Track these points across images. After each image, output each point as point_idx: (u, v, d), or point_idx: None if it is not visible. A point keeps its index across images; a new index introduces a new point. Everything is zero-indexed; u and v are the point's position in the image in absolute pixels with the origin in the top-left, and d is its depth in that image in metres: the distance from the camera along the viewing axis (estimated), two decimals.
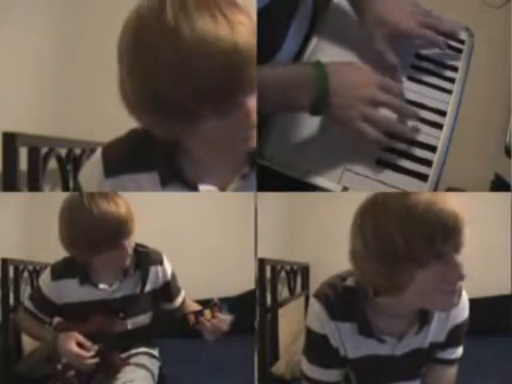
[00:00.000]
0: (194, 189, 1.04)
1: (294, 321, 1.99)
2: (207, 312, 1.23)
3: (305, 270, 2.44)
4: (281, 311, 1.88)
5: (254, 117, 0.92)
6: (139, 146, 1.06)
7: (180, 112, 0.89)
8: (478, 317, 1.16)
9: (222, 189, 1.04)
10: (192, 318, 1.24)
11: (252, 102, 0.91)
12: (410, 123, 1.16)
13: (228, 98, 0.88)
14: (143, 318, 1.38)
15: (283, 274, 2.16)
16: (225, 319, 1.24)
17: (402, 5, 1.26)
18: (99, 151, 1.09)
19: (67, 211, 1.24)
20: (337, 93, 1.08)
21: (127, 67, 0.90)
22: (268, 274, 1.76)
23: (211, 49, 0.84)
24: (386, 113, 1.13)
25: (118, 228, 1.23)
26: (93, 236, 1.21)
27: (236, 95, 0.89)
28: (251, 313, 1.58)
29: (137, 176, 1.06)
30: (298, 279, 2.38)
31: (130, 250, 1.28)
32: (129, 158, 1.06)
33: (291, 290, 2.28)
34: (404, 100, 1.16)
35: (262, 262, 1.70)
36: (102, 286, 1.35)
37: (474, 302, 1.13)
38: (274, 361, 1.79)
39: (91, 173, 1.10)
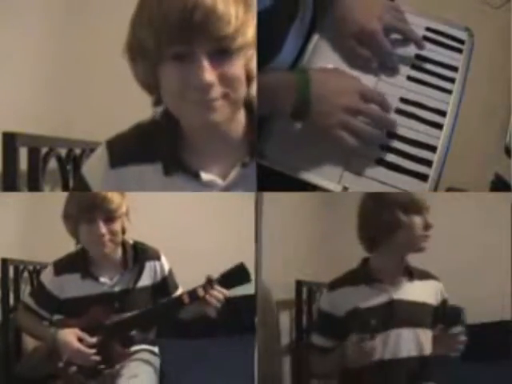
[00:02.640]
0: (196, 177, 1.06)
1: None
2: (200, 290, 1.25)
3: None
4: None
5: (208, 76, 0.95)
6: (143, 138, 1.10)
7: (148, 53, 0.97)
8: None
9: (224, 176, 1.07)
10: (186, 298, 1.26)
11: (206, 63, 0.95)
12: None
13: (181, 42, 0.94)
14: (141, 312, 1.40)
15: None
16: (222, 290, 1.25)
17: (373, 5, 1.26)
18: (103, 144, 1.12)
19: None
20: (318, 99, 1.10)
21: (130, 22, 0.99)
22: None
23: None
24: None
25: (96, 202, 1.29)
26: (74, 204, 1.31)
27: (190, 44, 0.94)
28: (251, 313, 1.57)
29: (141, 167, 1.09)
30: None
31: (105, 232, 1.31)
32: (133, 149, 1.09)
33: None
34: (387, 108, 1.15)
35: (299, 284, 1.75)
36: (102, 279, 1.37)
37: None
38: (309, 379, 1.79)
39: (96, 164, 1.13)
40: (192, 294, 1.26)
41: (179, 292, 1.44)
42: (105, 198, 1.29)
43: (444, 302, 1.35)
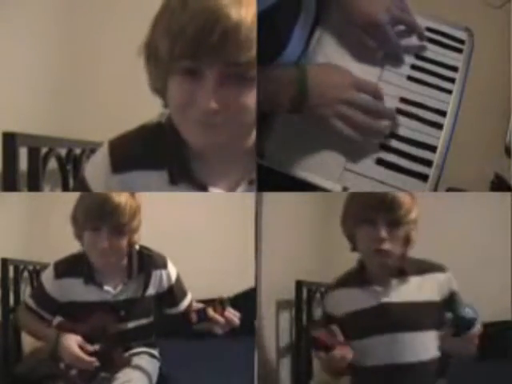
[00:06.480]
0: (204, 189, 1.05)
1: None
2: (210, 310, 1.22)
3: None
4: None
5: (213, 103, 0.93)
6: (149, 143, 1.07)
7: (160, 60, 0.95)
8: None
9: (230, 191, 1.06)
10: (194, 317, 1.23)
11: (215, 87, 0.92)
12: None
13: (193, 58, 0.91)
14: (144, 322, 1.38)
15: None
16: (235, 313, 1.23)
17: None
18: (105, 146, 1.09)
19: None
20: (315, 93, 1.12)
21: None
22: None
23: (199, 7, 0.89)
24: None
25: (105, 210, 1.22)
26: (82, 207, 1.25)
27: (202, 63, 0.91)
28: (251, 313, 1.58)
29: (145, 173, 1.06)
30: None
31: (108, 247, 1.25)
32: (138, 154, 1.06)
33: None
34: (380, 97, 1.17)
35: (299, 284, 1.75)
36: (106, 287, 1.34)
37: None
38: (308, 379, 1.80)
39: (97, 168, 1.10)
40: (201, 313, 1.22)
41: (188, 299, 1.42)
42: (116, 208, 1.21)
43: (452, 295, 1.25)
